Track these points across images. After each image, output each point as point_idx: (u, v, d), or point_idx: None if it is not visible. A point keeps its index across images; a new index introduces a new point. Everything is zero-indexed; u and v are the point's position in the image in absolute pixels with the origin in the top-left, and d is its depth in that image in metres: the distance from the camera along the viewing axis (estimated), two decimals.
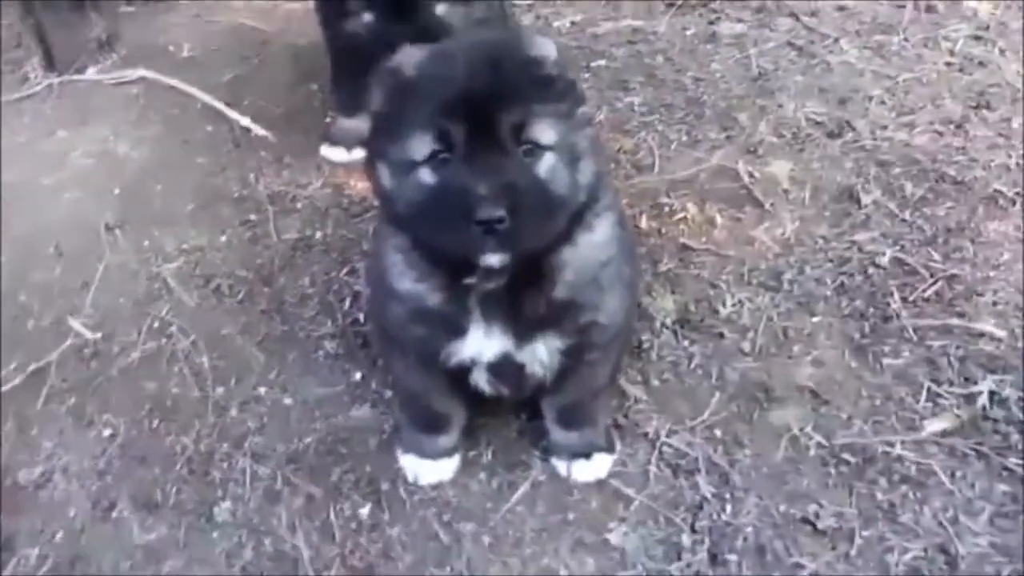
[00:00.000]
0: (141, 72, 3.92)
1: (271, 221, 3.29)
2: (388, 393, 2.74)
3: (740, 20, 4.28)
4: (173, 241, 3.26)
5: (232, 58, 4.15)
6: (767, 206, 3.21)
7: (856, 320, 2.86)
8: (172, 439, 2.72)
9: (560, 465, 2.55)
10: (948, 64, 3.92)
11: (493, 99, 1.83)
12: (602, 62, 3.98)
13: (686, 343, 2.84)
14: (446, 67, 1.87)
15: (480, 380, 2.29)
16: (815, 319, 2.88)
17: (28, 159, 3.58)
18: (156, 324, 3.00)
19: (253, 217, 3.32)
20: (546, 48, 1.95)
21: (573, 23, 4.28)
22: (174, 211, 3.36)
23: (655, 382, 2.75)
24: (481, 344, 2.14)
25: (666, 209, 3.21)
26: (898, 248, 3.05)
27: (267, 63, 4.12)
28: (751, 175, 3.31)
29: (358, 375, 2.82)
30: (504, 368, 2.21)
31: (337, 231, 3.24)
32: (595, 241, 2.07)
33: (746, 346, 2.82)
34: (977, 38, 4.08)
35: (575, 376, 2.31)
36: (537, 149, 1.87)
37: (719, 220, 3.17)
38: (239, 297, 3.07)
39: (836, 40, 4.08)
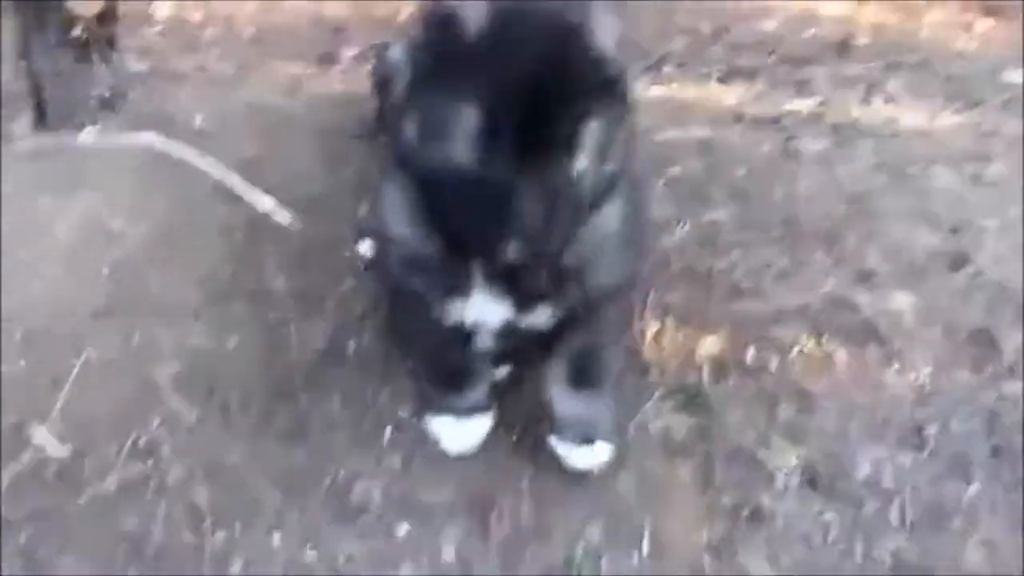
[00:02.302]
0: (146, 138, 3.36)
1: (293, 325, 2.69)
2: (446, 550, 2.13)
3: (819, 139, 3.88)
4: (171, 338, 2.64)
5: (250, 135, 3.61)
6: (894, 345, 2.68)
7: None
8: None
9: (562, 449, 2.31)
10: None
11: (554, 99, 1.63)
12: (676, 170, 3.51)
13: (817, 509, 2.27)
14: (511, 49, 1.64)
15: (483, 339, 2.12)
16: (973, 488, 2.33)
17: (3, 227, 2.96)
18: (142, 442, 2.37)
19: (271, 318, 2.72)
20: (610, 38, 1.72)
21: None
22: (174, 303, 2.74)
23: (784, 558, 2.17)
24: (483, 310, 2.00)
25: (775, 343, 2.67)
26: None
27: (290, 144, 3.59)
28: (871, 307, 2.80)
29: (405, 527, 2.20)
30: (505, 329, 2.06)
31: (375, 342, 2.65)
32: (604, 216, 1.90)
33: (893, 517, 2.26)
34: None
35: (579, 324, 2.13)
36: (579, 148, 1.70)
37: (840, 359, 2.64)
38: (251, 416, 2.44)
39: (928, 165, 3.67)
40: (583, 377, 2.30)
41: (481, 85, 1.63)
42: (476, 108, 1.63)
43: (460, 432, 2.35)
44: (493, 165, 1.64)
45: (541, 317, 2.04)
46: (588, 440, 2.31)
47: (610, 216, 1.94)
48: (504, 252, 1.76)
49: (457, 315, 2.05)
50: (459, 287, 1.99)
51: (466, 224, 1.75)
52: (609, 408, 2.36)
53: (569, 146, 1.69)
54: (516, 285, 1.95)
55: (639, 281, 2.41)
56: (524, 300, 1.99)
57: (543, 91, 1.62)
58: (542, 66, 1.63)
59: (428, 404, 2.41)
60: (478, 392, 2.36)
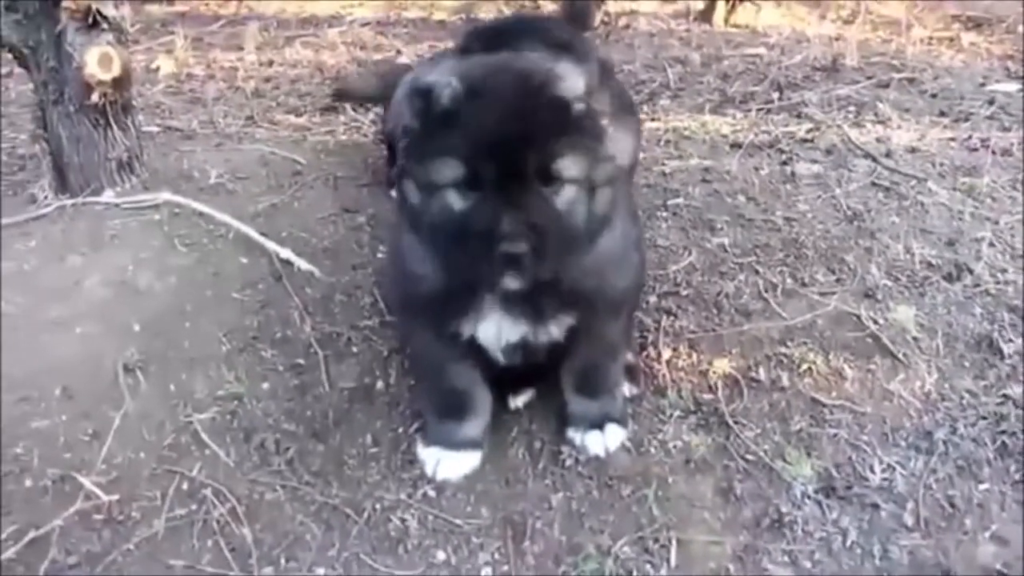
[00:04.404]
0: (165, 196, 3.48)
1: (322, 367, 2.80)
2: (484, 572, 2.22)
3: (814, 161, 4.01)
4: (205, 386, 2.74)
5: (264, 187, 3.75)
6: (899, 356, 2.79)
7: None
8: None
9: (575, 436, 2.54)
10: None
11: (522, 141, 1.93)
12: (680, 200, 3.63)
13: (835, 515, 2.37)
14: (480, 106, 1.95)
15: (496, 353, 2.33)
16: (983, 487, 2.43)
17: (34, 288, 3.07)
18: (185, 486, 2.47)
19: (301, 362, 2.83)
20: (576, 85, 2.01)
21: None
22: (206, 352, 2.85)
23: (806, 563, 2.26)
24: (498, 331, 2.25)
25: (785, 360, 2.78)
26: None
27: (303, 193, 3.73)
28: (875, 321, 2.91)
29: (441, 555, 2.29)
30: (518, 344, 2.29)
31: (403, 380, 2.75)
32: (609, 242, 2.18)
33: (908, 519, 2.35)
34: None
35: (587, 337, 2.36)
36: (559, 182, 1.98)
37: (848, 372, 2.74)
38: (287, 456, 2.54)
39: (922, 181, 3.80)
40: (590, 387, 2.53)
41: (461, 141, 1.94)
42: (458, 160, 1.94)
43: (448, 464, 2.47)
44: (480, 208, 1.94)
45: (555, 330, 2.26)
46: (598, 426, 2.51)
47: (614, 238, 2.20)
48: (503, 283, 2.04)
49: (471, 330, 2.25)
50: (475, 310, 2.22)
51: (467, 262, 2.03)
52: (617, 399, 2.56)
53: (546, 183, 1.96)
54: (530, 305, 2.19)
55: (638, 300, 2.69)
56: (538, 318, 2.22)
57: (515, 139, 1.92)
58: (512, 118, 1.93)
59: (424, 434, 2.55)
60: (476, 426, 2.51)
